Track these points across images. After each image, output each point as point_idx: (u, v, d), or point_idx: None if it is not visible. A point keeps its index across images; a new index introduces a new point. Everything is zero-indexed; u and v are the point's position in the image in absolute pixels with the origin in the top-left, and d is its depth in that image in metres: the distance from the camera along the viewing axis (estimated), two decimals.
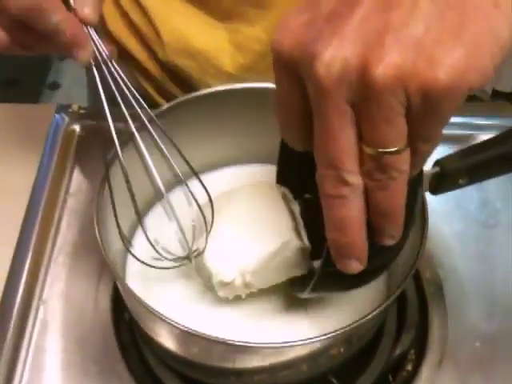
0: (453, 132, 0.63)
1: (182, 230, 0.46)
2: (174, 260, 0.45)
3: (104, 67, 0.44)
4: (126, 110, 0.45)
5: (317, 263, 0.44)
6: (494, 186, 0.58)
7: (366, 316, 0.39)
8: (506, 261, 0.55)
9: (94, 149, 0.63)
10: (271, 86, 0.48)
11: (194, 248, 0.45)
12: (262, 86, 0.51)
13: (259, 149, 0.56)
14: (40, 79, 2.24)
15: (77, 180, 0.60)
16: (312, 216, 0.44)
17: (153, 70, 0.68)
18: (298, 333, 0.45)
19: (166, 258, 0.45)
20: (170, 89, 0.69)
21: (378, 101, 0.27)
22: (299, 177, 0.47)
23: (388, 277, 0.49)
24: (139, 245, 0.48)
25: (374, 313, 0.39)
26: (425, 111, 0.27)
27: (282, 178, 0.48)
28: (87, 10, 0.43)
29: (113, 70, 0.44)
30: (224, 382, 0.46)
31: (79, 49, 0.43)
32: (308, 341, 0.37)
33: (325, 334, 0.38)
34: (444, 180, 0.47)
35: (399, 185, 0.30)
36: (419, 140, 0.29)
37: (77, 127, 0.64)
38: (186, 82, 0.67)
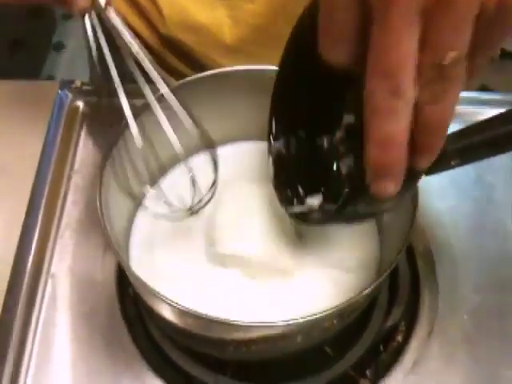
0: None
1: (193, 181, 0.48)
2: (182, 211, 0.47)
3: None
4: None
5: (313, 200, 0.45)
6: (487, 162, 0.59)
7: (357, 295, 0.41)
8: (498, 236, 0.57)
9: (98, 124, 0.64)
10: (267, 68, 0.50)
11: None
12: (258, 68, 0.51)
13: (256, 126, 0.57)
14: (45, 40, 2.23)
15: (81, 156, 0.62)
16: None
17: (155, 45, 0.69)
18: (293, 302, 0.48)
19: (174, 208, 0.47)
20: (173, 63, 0.70)
21: (452, 8, 0.26)
22: (295, 111, 0.47)
23: (380, 250, 0.52)
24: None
25: (366, 291, 0.41)
26: (495, 20, 0.28)
27: (275, 113, 0.48)
28: None
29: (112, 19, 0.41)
30: (223, 353, 0.49)
31: None
32: (300, 320, 0.39)
33: (318, 313, 0.39)
34: (436, 161, 0.48)
35: (453, 97, 0.30)
36: (480, 50, 0.29)
37: (80, 103, 0.65)
38: (188, 56, 0.68)
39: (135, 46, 0.43)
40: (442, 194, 0.59)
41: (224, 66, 0.65)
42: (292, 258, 0.49)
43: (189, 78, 0.52)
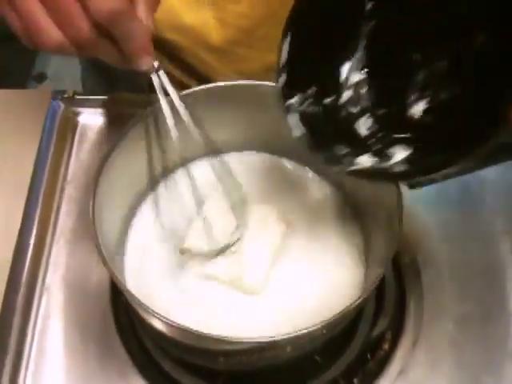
0: None
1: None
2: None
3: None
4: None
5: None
6: (473, 173, 0.61)
7: (343, 310, 0.42)
8: (483, 247, 0.58)
9: (91, 134, 0.65)
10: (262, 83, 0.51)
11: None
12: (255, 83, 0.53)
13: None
14: (26, 70, 2.20)
15: (74, 166, 0.63)
16: None
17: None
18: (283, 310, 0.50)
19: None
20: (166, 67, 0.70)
21: None
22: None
23: (365, 263, 0.53)
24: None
25: (352, 307, 0.42)
26: None
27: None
28: (150, 21, 0.43)
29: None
30: (214, 363, 0.50)
31: (143, 56, 0.43)
32: (287, 336, 0.41)
33: (304, 329, 0.41)
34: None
35: None
36: None
37: (73, 113, 0.66)
38: (179, 58, 0.69)
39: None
40: (429, 205, 0.60)
41: (212, 65, 0.66)
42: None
43: (190, 90, 0.53)
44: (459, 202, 0.60)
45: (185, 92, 0.51)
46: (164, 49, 0.68)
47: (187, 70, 0.70)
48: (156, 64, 0.46)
